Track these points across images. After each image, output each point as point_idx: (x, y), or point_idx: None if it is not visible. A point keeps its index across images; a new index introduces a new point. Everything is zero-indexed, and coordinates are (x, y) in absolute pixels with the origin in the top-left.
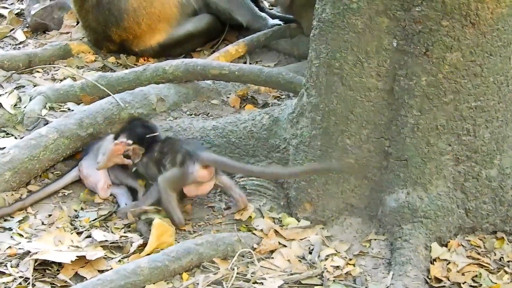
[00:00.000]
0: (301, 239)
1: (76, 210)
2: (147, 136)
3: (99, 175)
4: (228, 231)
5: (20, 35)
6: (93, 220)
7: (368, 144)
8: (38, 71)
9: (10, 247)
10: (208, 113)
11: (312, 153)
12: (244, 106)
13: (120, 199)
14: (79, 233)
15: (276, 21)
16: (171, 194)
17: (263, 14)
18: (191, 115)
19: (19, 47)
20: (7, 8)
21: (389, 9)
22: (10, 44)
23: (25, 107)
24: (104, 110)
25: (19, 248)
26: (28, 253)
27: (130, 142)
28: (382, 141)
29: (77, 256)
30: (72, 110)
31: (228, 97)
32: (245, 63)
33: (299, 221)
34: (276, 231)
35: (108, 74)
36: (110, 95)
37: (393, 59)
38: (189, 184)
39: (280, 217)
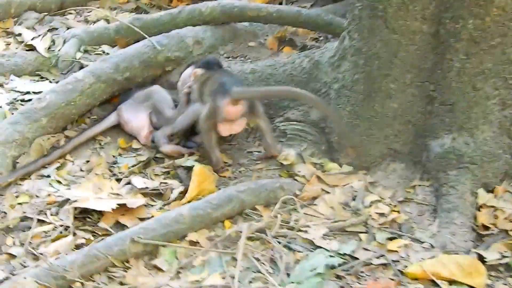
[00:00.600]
0: (344, 185)
1: (114, 156)
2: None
3: (142, 121)
4: (269, 177)
5: None
6: (132, 167)
7: (412, 89)
8: (70, 13)
9: (49, 194)
10: (246, 56)
11: (355, 98)
12: (282, 48)
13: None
14: (118, 180)
15: None
16: (209, 132)
17: None
18: (228, 58)
19: None
20: None
21: None
22: None
23: (59, 50)
24: (140, 54)
25: (58, 196)
26: (67, 201)
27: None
28: (427, 86)
29: (117, 204)
30: (107, 53)
31: (265, 39)
32: (280, 3)
33: (341, 167)
34: (318, 177)
35: (143, 16)
36: (145, 37)
37: (438, 2)
38: (221, 121)
39: (321, 163)
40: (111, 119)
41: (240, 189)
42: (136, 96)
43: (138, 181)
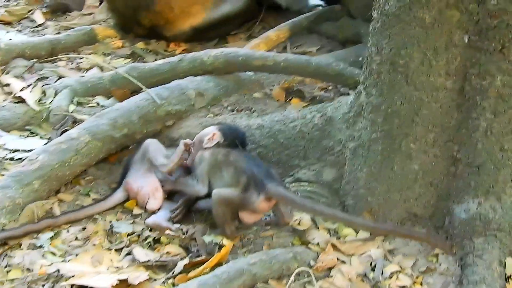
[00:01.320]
0: (361, 254)
1: (111, 222)
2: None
3: (154, 183)
4: (281, 245)
5: (38, 16)
6: (131, 235)
7: (435, 149)
8: (61, 60)
9: (42, 267)
10: (251, 108)
11: (372, 158)
12: (289, 100)
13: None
14: (118, 250)
15: (317, 1)
16: (225, 209)
17: None
18: (233, 110)
19: (37, 30)
20: None
21: (461, 2)
22: (28, 27)
23: (50, 102)
24: (139, 108)
25: (53, 270)
26: (63, 276)
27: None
28: (450, 146)
29: (118, 280)
30: (102, 106)
31: (271, 90)
32: (285, 48)
33: (357, 232)
34: (333, 245)
35: (140, 65)
36: (142, 88)
37: (464, 57)
38: (246, 210)
39: (336, 228)
40: (117, 196)
41: (251, 261)
42: (135, 160)
43: (140, 253)
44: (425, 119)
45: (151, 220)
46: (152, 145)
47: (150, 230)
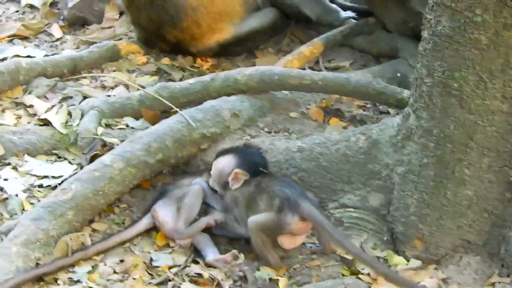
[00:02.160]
0: None
1: (149, 253)
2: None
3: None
4: (329, 275)
5: (56, 30)
6: (171, 268)
7: (489, 174)
8: (84, 77)
9: None
10: (289, 129)
11: (424, 184)
12: (328, 120)
13: (204, 248)
14: (158, 284)
15: (349, 13)
16: (264, 237)
17: (333, 6)
18: (269, 132)
19: (56, 45)
20: None
21: None
22: (46, 41)
23: (77, 124)
24: (173, 131)
25: None
26: None
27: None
28: (506, 171)
29: None
30: (132, 128)
31: (308, 108)
32: (317, 63)
33: (408, 261)
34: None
35: (170, 84)
36: (173, 108)
37: None
38: (284, 234)
39: (385, 256)
40: (144, 222)
41: None
42: (172, 193)
43: None
44: (480, 144)
45: (212, 258)
46: (191, 195)
47: (209, 267)
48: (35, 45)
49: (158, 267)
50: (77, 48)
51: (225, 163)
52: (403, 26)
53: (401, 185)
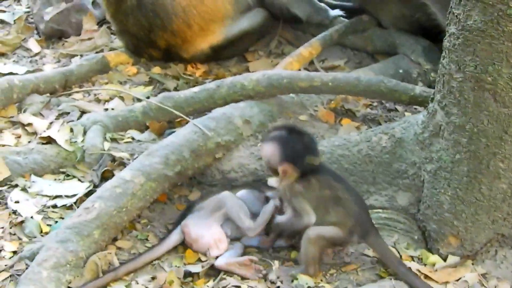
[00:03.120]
0: (456, 280)
1: (178, 267)
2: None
3: (217, 233)
4: (367, 279)
5: (34, 45)
6: (207, 282)
7: None
8: (77, 92)
9: None
10: None
11: (457, 180)
12: (339, 121)
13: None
14: None
15: (337, 12)
16: (318, 248)
17: (322, 4)
18: None
19: (35, 60)
20: (5, 11)
21: None
22: (24, 57)
23: (82, 141)
24: (189, 142)
25: None
26: None
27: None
28: None
29: None
30: (138, 140)
31: (315, 110)
32: (311, 63)
33: (443, 258)
34: (424, 274)
35: (174, 94)
36: (177, 118)
37: None
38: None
39: (419, 255)
40: (173, 239)
41: None
42: (202, 206)
43: None
44: None
45: (222, 261)
46: (230, 200)
47: (220, 273)
48: (14, 61)
49: (192, 281)
50: (58, 61)
51: (269, 148)
52: (402, 21)
53: (432, 182)
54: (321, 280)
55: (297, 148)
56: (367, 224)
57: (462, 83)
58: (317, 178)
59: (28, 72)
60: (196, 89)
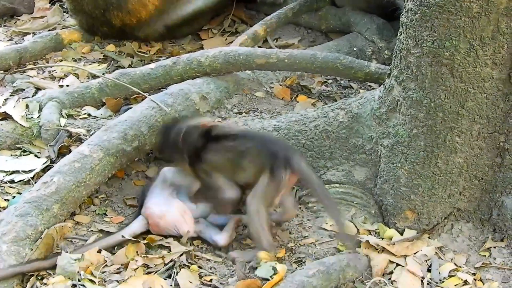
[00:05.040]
0: (414, 254)
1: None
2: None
3: (181, 207)
4: (325, 251)
5: None
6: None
7: (480, 141)
8: (31, 69)
9: None
10: (257, 109)
11: (414, 155)
12: (295, 98)
13: (209, 234)
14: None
15: None
16: (264, 214)
17: None
18: (239, 113)
19: None
20: None
21: None
22: None
23: (38, 117)
24: (146, 118)
25: None
26: None
27: None
28: (496, 136)
29: None
30: (95, 117)
31: (271, 88)
32: (265, 42)
33: (399, 232)
34: (383, 248)
35: (130, 70)
36: (133, 95)
37: (510, 44)
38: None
39: (376, 229)
40: (138, 225)
41: (308, 273)
42: (153, 188)
43: (183, 280)
44: (471, 111)
45: (225, 239)
46: (172, 171)
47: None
48: None
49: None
50: (10, 39)
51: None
52: (355, 1)
53: (389, 157)
54: (284, 258)
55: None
56: (284, 153)
57: (420, 58)
58: (212, 150)
59: None
60: (152, 65)
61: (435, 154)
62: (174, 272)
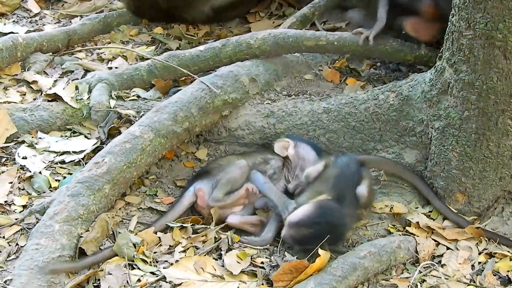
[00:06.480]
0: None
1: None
2: None
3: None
4: (376, 233)
5: (33, 5)
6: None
7: None
8: (80, 51)
9: (139, 279)
10: (306, 91)
11: (465, 137)
12: (344, 80)
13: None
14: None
15: None
16: None
17: None
18: (288, 95)
19: (35, 21)
20: None
21: None
22: (24, 17)
23: (88, 98)
24: (196, 99)
25: (157, 279)
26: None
27: None
28: None
29: None
30: (144, 98)
31: (320, 70)
32: (313, 25)
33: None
34: (433, 231)
35: (179, 52)
36: (182, 76)
37: None
38: None
39: (429, 211)
40: (184, 203)
41: (360, 254)
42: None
43: (232, 263)
44: None
45: (236, 219)
46: (236, 168)
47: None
48: (14, 21)
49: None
50: (58, 22)
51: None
52: None
53: (440, 140)
54: None
55: None
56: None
57: (472, 40)
58: None
59: (28, 32)
60: (201, 47)
61: (487, 137)
62: (223, 253)
